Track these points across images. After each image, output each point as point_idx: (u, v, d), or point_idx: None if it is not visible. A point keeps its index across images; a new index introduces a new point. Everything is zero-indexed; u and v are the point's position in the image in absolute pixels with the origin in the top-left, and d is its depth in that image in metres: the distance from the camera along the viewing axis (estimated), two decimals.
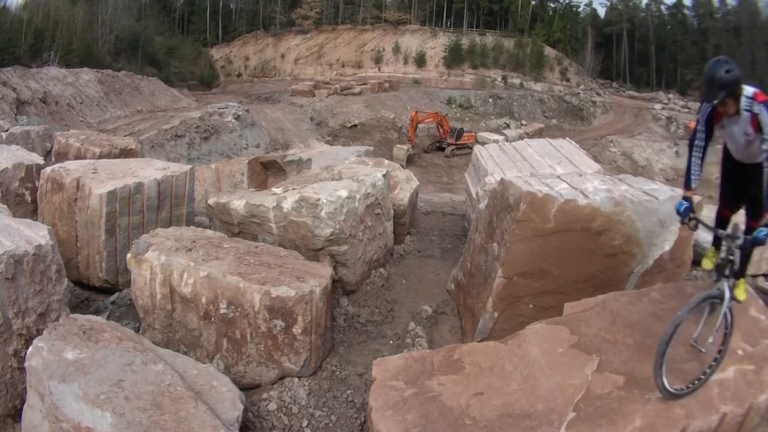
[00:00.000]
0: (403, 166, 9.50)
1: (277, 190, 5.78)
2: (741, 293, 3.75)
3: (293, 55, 59.69)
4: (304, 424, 4.09)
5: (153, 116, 30.96)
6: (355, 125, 37.18)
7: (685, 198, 3.61)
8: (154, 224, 5.84)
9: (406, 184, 7.20)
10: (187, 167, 6.58)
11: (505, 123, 43.45)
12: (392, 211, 6.37)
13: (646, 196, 4.68)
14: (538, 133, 35.98)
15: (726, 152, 3.80)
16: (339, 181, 5.77)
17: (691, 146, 3.67)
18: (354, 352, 4.89)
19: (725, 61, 3.29)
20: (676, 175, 31.72)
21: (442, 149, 34.49)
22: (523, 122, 44.12)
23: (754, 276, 6.24)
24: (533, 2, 61.69)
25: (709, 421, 3.14)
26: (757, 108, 3.31)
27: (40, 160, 7.03)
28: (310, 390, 4.37)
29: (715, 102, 3.36)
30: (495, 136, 34.15)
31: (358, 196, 5.51)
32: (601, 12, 66.86)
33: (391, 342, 5.10)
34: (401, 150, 31.09)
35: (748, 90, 3.37)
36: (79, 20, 39.64)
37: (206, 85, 52.12)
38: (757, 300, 3.87)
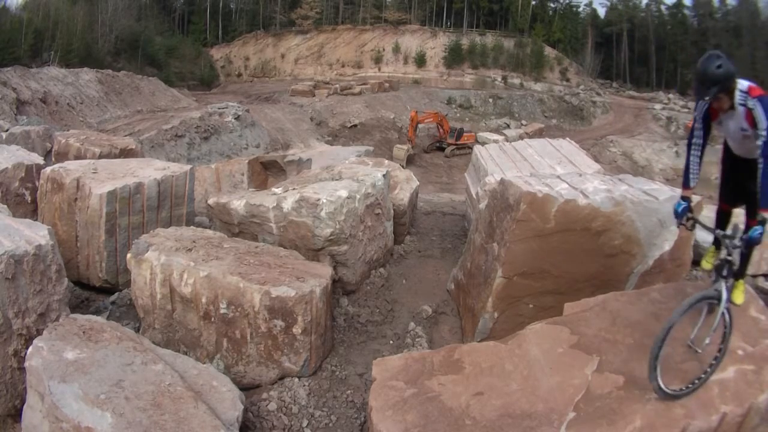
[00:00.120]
0: (403, 166, 9.50)
1: (277, 190, 5.78)
2: (739, 296, 3.69)
3: (293, 55, 59.72)
4: (304, 424, 4.09)
5: (153, 116, 30.98)
6: (355, 125, 37.20)
7: (684, 198, 3.57)
8: (154, 224, 5.84)
9: (406, 184, 7.20)
10: (187, 167, 6.57)
11: (505, 123, 43.47)
12: (392, 211, 6.37)
13: (646, 196, 4.68)
14: (538, 133, 35.99)
15: (726, 148, 3.76)
16: (339, 181, 5.77)
17: (689, 145, 3.62)
18: (354, 352, 4.89)
19: (717, 56, 3.24)
20: (676, 175, 31.74)
21: (442, 149, 34.50)
22: (523, 122, 44.15)
23: (754, 276, 6.23)
24: (533, 2, 61.72)
25: (709, 421, 3.14)
26: (752, 103, 3.27)
27: (40, 160, 7.03)
28: (310, 390, 4.37)
29: (708, 98, 3.33)
30: (495, 136, 34.16)
31: (358, 196, 5.51)
32: (601, 12, 67.06)
33: (391, 342, 5.10)
34: (401, 150, 31.11)
35: (743, 84, 3.33)
36: (79, 20, 39.65)
37: (206, 85, 52.15)
38: (757, 300, 3.86)
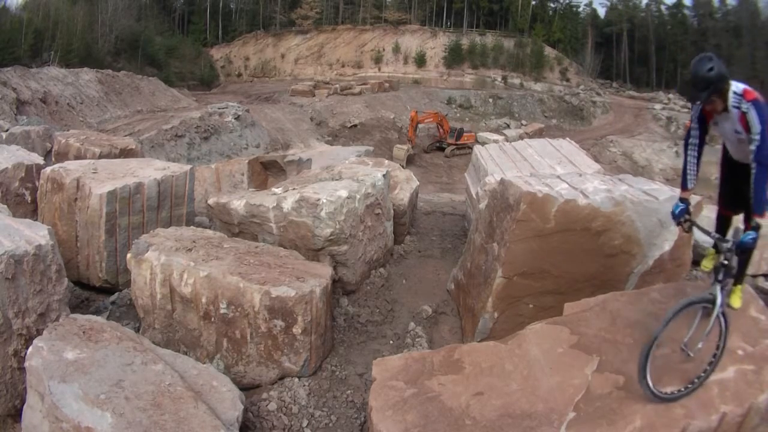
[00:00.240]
0: (403, 166, 9.50)
1: (277, 190, 5.78)
2: (736, 300, 3.65)
3: (293, 55, 59.71)
4: (304, 424, 4.09)
5: (153, 116, 30.97)
6: (355, 125, 37.20)
7: (682, 200, 3.54)
8: (154, 224, 5.84)
9: (406, 184, 7.20)
10: (187, 167, 6.57)
11: (505, 123, 43.47)
12: (392, 211, 6.37)
13: (646, 196, 4.68)
14: (538, 133, 35.98)
15: (725, 151, 3.72)
16: (339, 181, 5.77)
17: (685, 146, 3.58)
18: (354, 352, 4.89)
19: (708, 59, 3.19)
20: (676, 175, 31.72)
21: (442, 149, 34.49)
22: (523, 122, 44.14)
23: (754, 276, 6.23)
24: (533, 2, 61.72)
25: (709, 421, 3.14)
26: (746, 106, 3.21)
27: (40, 160, 7.03)
28: (310, 390, 4.37)
29: (699, 102, 3.30)
30: (495, 136, 34.16)
31: (358, 196, 5.51)
32: (601, 12, 67.07)
33: (391, 342, 5.10)
34: (401, 150, 31.11)
35: (738, 86, 3.27)
36: (79, 20, 39.65)
37: (206, 85, 52.15)
38: (757, 300, 3.86)
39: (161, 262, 4.53)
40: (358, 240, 5.55)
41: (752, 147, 3.20)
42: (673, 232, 4.68)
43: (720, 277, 3.29)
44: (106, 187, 5.50)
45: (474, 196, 6.90)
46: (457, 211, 8.45)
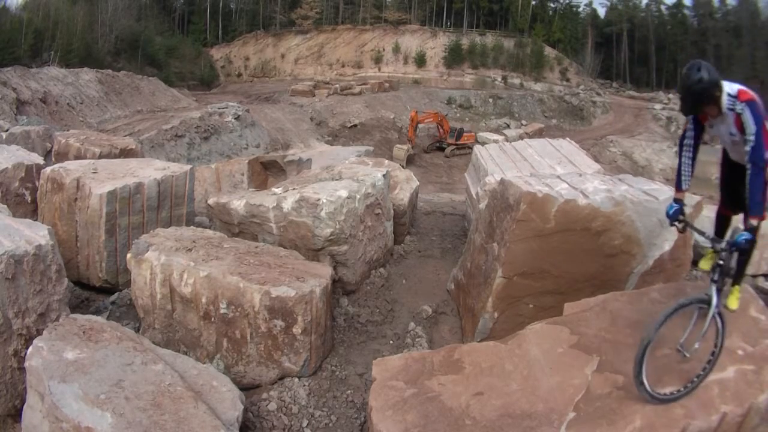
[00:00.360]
0: (403, 166, 9.50)
1: (277, 190, 5.78)
2: (734, 301, 3.64)
3: (293, 55, 59.72)
4: (304, 424, 4.09)
5: (153, 116, 30.97)
6: (355, 125, 37.19)
7: (676, 200, 3.51)
8: (154, 224, 5.84)
9: (406, 184, 7.20)
10: (187, 167, 6.57)
11: (505, 123, 43.47)
12: (392, 211, 6.37)
13: (646, 196, 4.68)
14: (538, 133, 35.98)
15: (725, 151, 3.69)
16: (339, 181, 5.77)
17: (680, 146, 3.52)
18: (354, 352, 4.89)
19: (697, 68, 3.13)
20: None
21: (442, 149, 34.49)
22: (523, 122, 44.15)
23: (754, 276, 6.23)
24: (533, 2, 61.74)
25: (709, 421, 3.14)
26: (740, 107, 3.15)
27: (40, 160, 7.03)
28: (310, 390, 4.37)
29: (691, 116, 3.28)
30: (495, 136, 34.15)
31: (358, 196, 5.51)
32: (601, 12, 67.09)
33: (391, 342, 5.10)
34: (401, 150, 31.10)
35: (732, 88, 3.21)
36: (79, 20, 39.65)
37: (206, 85, 52.17)
38: (757, 300, 3.86)
39: (161, 262, 4.53)
40: (358, 240, 5.55)
41: (747, 148, 3.17)
42: (673, 232, 4.68)
43: (715, 277, 3.28)
44: (106, 187, 5.50)
45: (474, 196, 6.90)
46: (457, 211, 8.45)
